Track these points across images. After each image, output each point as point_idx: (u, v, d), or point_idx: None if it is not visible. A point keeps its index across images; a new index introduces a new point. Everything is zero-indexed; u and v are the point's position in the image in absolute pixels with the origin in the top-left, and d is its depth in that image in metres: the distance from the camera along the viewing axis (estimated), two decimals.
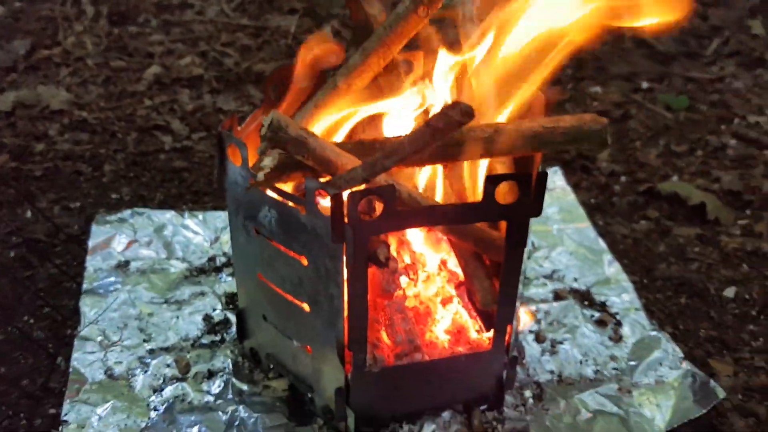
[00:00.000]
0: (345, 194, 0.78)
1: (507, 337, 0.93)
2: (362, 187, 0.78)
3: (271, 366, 1.05)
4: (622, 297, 1.21)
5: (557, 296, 1.21)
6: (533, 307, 1.18)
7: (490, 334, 0.93)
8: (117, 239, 1.25)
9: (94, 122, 1.58)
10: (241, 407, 1.00)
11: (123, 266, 1.21)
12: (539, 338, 1.13)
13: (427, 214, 0.83)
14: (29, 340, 1.08)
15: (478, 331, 0.95)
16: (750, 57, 1.99)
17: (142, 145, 1.53)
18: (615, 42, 2.07)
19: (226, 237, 1.30)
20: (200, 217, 1.33)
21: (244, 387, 1.03)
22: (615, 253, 1.31)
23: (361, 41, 0.98)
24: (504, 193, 0.83)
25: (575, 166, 1.57)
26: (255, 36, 1.96)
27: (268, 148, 0.79)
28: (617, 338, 1.14)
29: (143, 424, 0.97)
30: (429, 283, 0.97)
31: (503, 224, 0.87)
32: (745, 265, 1.31)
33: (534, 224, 0.89)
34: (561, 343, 1.12)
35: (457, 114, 0.72)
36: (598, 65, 1.95)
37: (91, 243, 1.22)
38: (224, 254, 1.28)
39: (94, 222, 1.26)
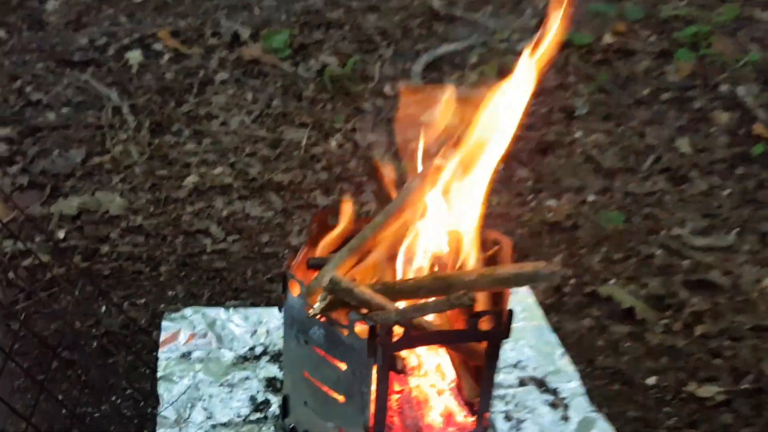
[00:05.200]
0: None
1: (485, 421, 1.30)
2: None
3: None
4: (570, 384, 1.59)
5: (521, 383, 1.59)
6: (502, 392, 1.55)
7: (473, 419, 1.30)
8: (181, 333, 1.59)
9: (148, 227, 1.93)
10: None
11: (186, 356, 1.56)
12: (508, 417, 1.50)
13: (432, 337, 1.21)
14: (120, 415, 1.41)
15: (465, 416, 1.32)
16: (677, 173, 2.43)
17: (188, 248, 1.88)
18: (567, 156, 2.50)
19: (262, 330, 1.66)
20: (242, 313, 1.69)
21: None
22: (565, 346, 1.69)
23: (382, 201, 1.37)
24: (484, 322, 1.21)
25: None
26: (273, 147, 2.35)
27: (327, 294, 1.16)
28: (565, 418, 1.51)
29: None
30: (428, 379, 1.34)
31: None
32: (664, 358, 1.70)
33: None
34: (523, 421, 1.49)
35: (468, 300, 1.11)
36: (554, 178, 2.37)
37: (162, 337, 1.57)
38: (261, 344, 1.63)
39: (164, 319, 1.61)
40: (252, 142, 2.37)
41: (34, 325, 1.55)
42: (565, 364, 1.64)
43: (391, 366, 1.19)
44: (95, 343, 1.57)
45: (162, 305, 1.68)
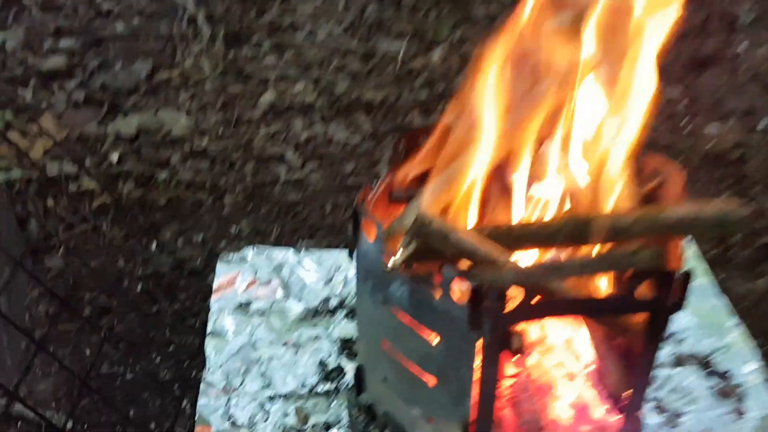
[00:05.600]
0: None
1: (636, 422, 0.92)
2: None
3: (387, 424, 1.07)
4: (746, 366, 1.17)
5: (677, 362, 1.19)
6: (653, 373, 1.16)
7: (618, 416, 0.92)
8: (240, 279, 1.29)
9: (214, 151, 1.63)
10: None
11: (244, 307, 1.26)
12: (660, 408, 1.11)
13: (566, 307, 0.83)
14: (156, 381, 1.14)
15: (606, 411, 0.95)
16: None
17: (258, 176, 1.58)
18: (730, 73, 1.99)
19: (339, 278, 1.34)
20: (315, 255, 1.37)
21: None
22: (737, 314, 1.27)
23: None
24: (646, 287, 0.81)
25: None
26: (364, 60, 1.99)
27: (411, 239, 0.80)
28: (739, 412, 1.11)
29: None
30: (554, 358, 0.97)
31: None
32: None
33: None
34: (681, 415, 1.10)
35: (650, 257, 0.76)
36: (714, 99, 1.88)
37: (216, 283, 1.28)
38: (337, 296, 1.31)
39: (219, 261, 1.31)
40: (340, 55, 2.02)
41: (71, 261, 1.29)
42: (738, 338, 1.22)
43: (504, 344, 0.83)
44: (140, 287, 1.30)
45: (222, 243, 1.38)
